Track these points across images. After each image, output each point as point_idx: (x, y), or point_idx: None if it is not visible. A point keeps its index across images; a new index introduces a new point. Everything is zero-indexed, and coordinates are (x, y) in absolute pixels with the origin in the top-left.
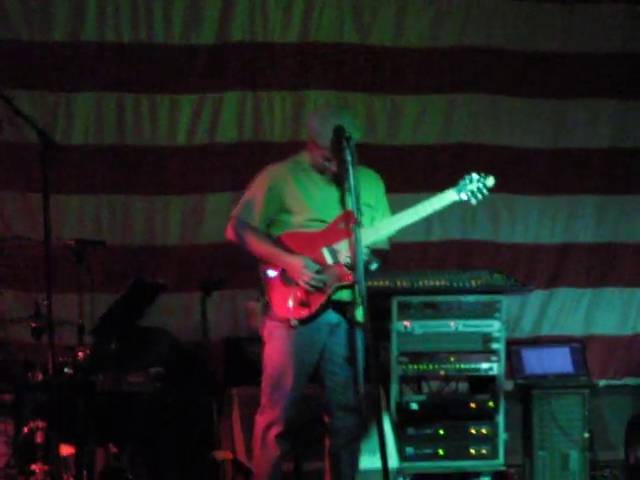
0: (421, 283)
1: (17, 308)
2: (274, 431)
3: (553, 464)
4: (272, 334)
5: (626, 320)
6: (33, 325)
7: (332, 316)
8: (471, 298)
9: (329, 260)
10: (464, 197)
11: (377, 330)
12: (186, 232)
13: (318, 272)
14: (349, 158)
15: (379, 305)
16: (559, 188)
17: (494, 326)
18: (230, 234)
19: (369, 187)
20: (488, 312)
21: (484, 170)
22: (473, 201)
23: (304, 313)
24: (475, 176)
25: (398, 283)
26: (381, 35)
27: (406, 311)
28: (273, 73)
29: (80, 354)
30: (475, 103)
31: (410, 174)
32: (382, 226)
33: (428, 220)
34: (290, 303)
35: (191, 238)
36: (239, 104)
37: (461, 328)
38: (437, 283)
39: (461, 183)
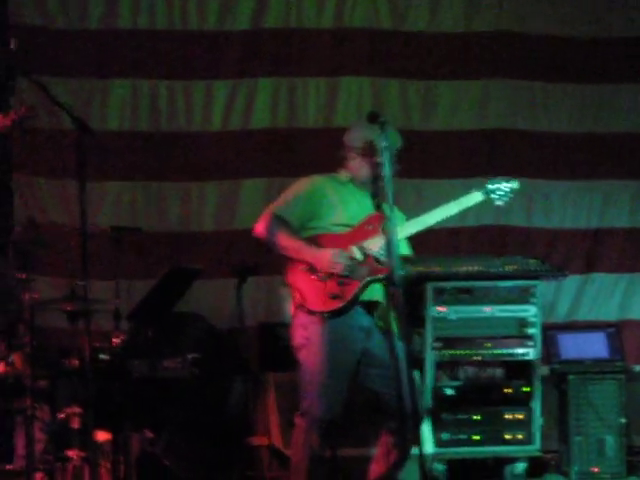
0: (456, 268)
1: (53, 294)
2: (318, 429)
3: (589, 449)
4: (307, 328)
5: None
6: (69, 309)
7: (364, 319)
8: (507, 283)
9: (358, 257)
10: (489, 198)
11: (411, 316)
12: (221, 218)
13: (349, 260)
14: (385, 144)
15: (413, 291)
16: (595, 173)
17: (530, 311)
18: (260, 227)
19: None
20: (523, 297)
21: (520, 155)
22: (499, 203)
23: (335, 305)
24: (501, 180)
25: (433, 268)
26: (415, 20)
27: (441, 297)
28: (307, 59)
29: (116, 340)
30: (510, 88)
31: (445, 160)
32: (409, 225)
33: None
34: (320, 296)
35: (226, 224)
36: (273, 90)
37: (497, 313)
38: (472, 268)
39: (487, 187)
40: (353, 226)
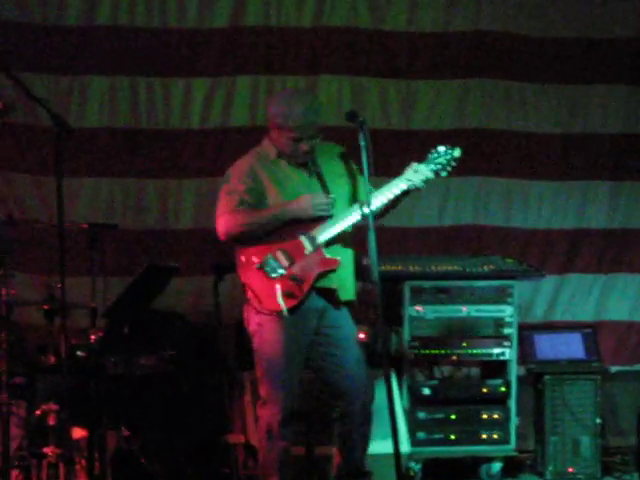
0: (433, 268)
1: (29, 291)
2: (278, 420)
3: (565, 449)
4: (262, 327)
5: (638, 306)
6: (46, 308)
7: (318, 301)
8: (483, 283)
9: (309, 247)
10: (436, 170)
11: (388, 315)
12: (199, 216)
13: (291, 263)
14: (363, 143)
15: (391, 290)
16: (572, 174)
17: (506, 311)
18: (223, 231)
19: (333, 157)
20: (500, 297)
21: (498, 155)
22: (443, 174)
23: (291, 303)
24: (442, 149)
25: (410, 268)
26: (395, 20)
27: (418, 296)
28: (286, 58)
29: (92, 337)
30: (489, 88)
31: (424, 159)
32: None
33: (440, 205)
34: (278, 295)
35: (204, 222)
36: (252, 88)
37: (473, 313)
38: (449, 268)
39: (430, 157)
40: None
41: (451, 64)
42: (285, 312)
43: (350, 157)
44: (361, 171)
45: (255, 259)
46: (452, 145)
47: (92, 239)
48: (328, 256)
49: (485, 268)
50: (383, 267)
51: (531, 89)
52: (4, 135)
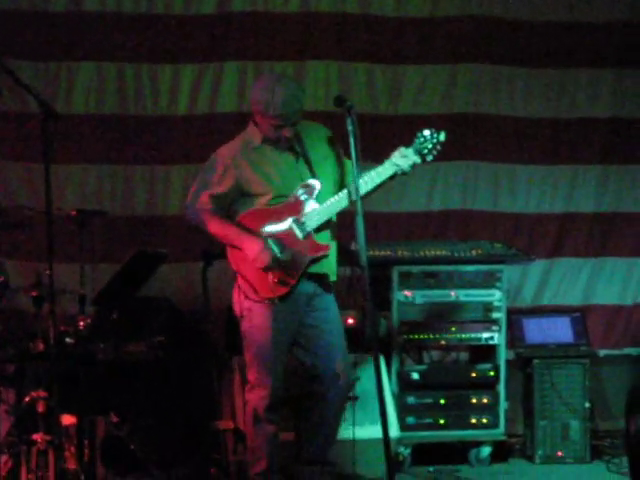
0: (422, 253)
1: (18, 278)
2: (263, 405)
3: (554, 433)
4: (252, 311)
5: (627, 290)
6: (34, 294)
7: (308, 286)
8: (472, 268)
9: (299, 234)
10: (423, 155)
11: (377, 300)
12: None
13: (281, 251)
14: (350, 128)
15: (379, 275)
16: (560, 158)
17: (495, 295)
18: (189, 218)
19: (320, 139)
20: (489, 282)
21: (486, 140)
22: (429, 158)
23: (283, 290)
24: (427, 133)
25: (399, 253)
26: (382, 5)
27: (407, 281)
28: (274, 43)
29: (81, 323)
30: (476, 73)
31: (411, 144)
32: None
33: (429, 189)
34: (269, 282)
35: None
36: (240, 74)
37: (462, 298)
38: (438, 253)
39: (416, 142)
40: (286, 195)
41: (438, 49)
42: (277, 300)
43: (336, 139)
44: (348, 155)
45: None
46: (438, 129)
47: (81, 225)
48: (319, 242)
49: (473, 253)
50: (371, 252)
51: (519, 73)
52: None
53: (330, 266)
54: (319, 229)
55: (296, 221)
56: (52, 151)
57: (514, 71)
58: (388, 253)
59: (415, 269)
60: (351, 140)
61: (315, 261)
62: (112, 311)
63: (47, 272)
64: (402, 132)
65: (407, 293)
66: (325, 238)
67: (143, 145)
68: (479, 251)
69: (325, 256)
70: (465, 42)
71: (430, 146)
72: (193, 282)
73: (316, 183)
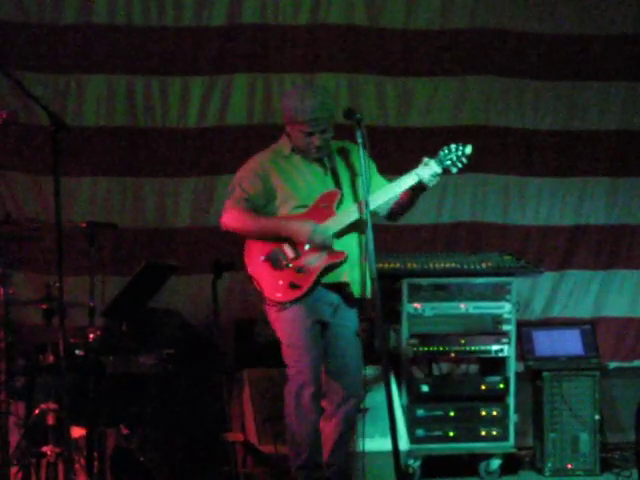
0: (432, 265)
1: (28, 291)
2: (307, 392)
3: (563, 446)
4: (279, 313)
5: (637, 302)
6: (44, 307)
7: (332, 297)
8: (482, 280)
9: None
10: (445, 166)
11: (387, 312)
12: (197, 214)
13: (319, 240)
14: (360, 140)
15: (389, 287)
16: (570, 170)
17: (504, 308)
18: (228, 219)
19: (346, 157)
20: (499, 294)
21: (496, 152)
22: (454, 170)
23: (296, 294)
24: (453, 146)
25: (408, 265)
26: (391, 17)
27: (417, 293)
28: (283, 55)
29: (91, 336)
30: (486, 85)
31: (421, 156)
32: (379, 194)
33: (438, 202)
34: (280, 286)
35: (202, 220)
36: (249, 86)
37: (472, 310)
38: (447, 265)
39: (441, 154)
40: (308, 205)
41: (448, 61)
42: (288, 305)
43: (362, 151)
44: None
45: (262, 252)
46: (448, 142)
47: (91, 238)
48: (335, 249)
49: (483, 265)
50: (381, 264)
51: (528, 86)
52: (2, 134)
53: (351, 275)
54: (338, 236)
55: (316, 227)
56: (62, 163)
57: (524, 83)
58: (398, 265)
59: (425, 281)
60: (361, 152)
61: (331, 268)
62: (122, 323)
63: (57, 284)
64: (412, 144)
65: (417, 305)
66: (342, 245)
67: (153, 157)
68: (489, 263)
69: (341, 263)
70: (475, 55)
71: (454, 158)
72: (203, 294)
73: (336, 192)
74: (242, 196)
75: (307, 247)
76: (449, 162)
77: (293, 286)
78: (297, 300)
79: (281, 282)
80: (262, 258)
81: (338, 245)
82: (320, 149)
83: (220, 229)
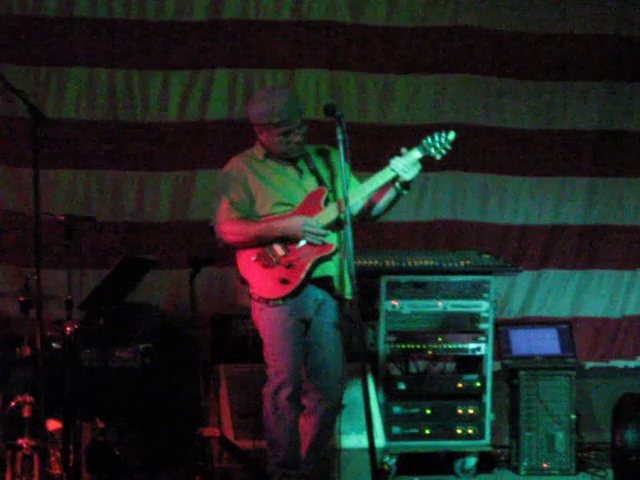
0: (410, 262)
1: (5, 282)
2: (284, 393)
3: (539, 445)
4: (262, 311)
5: (614, 302)
6: (21, 299)
7: (318, 292)
8: (460, 278)
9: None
10: (428, 153)
11: (365, 309)
12: (176, 209)
13: (312, 232)
14: (340, 136)
15: (367, 284)
16: (549, 170)
17: (482, 306)
18: (220, 238)
19: (324, 159)
20: (476, 292)
21: (475, 150)
22: (438, 156)
23: (286, 290)
24: (437, 133)
25: (387, 262)
26: (373, 14)
27: (395, 290)
28: (265, 51)
29: (68, 329)
30: (467, 84)
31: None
32: (354, 193)
33: (417, 199)
34: (270, 283)
35: (180, 215)
36: (230, 81)
37: (449, 308)
38: (426, 263)
39: (424, 142)
40: (290, 204)
41: (429, 59)
42: (281, 301)
43: (336, 152)
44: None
45: (252, 253)
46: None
47: (69, 231)
48: (327, 241)
49: (461, 263)
50: (359, 261)
51: (509, 85)
52: None
53: (337, 270)
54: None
55: (306, 219)
56: (41, 156)
57: (504, 82)
58: (376, 262)
59: (403, 279)
60: (341, 149)
61: (320, 262)
62: (99, 317)
63: (34, 277)
64: (392, 141)
65: (394, 303)
66: (331, 239)
67: (133, 151)
68: (467, 262)
69: (329, 256)
70: (455, 53)
71: (438, 144)
72: (180, 289)
73: (323, 189)
74: (228, 206)
75: (301, 244)
76: (433, 149)
77: (283, 281)
78: (288, 296)
79: (271, 279)
80: (253, 259)
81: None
82: (300, 145)
83: (221, 244)
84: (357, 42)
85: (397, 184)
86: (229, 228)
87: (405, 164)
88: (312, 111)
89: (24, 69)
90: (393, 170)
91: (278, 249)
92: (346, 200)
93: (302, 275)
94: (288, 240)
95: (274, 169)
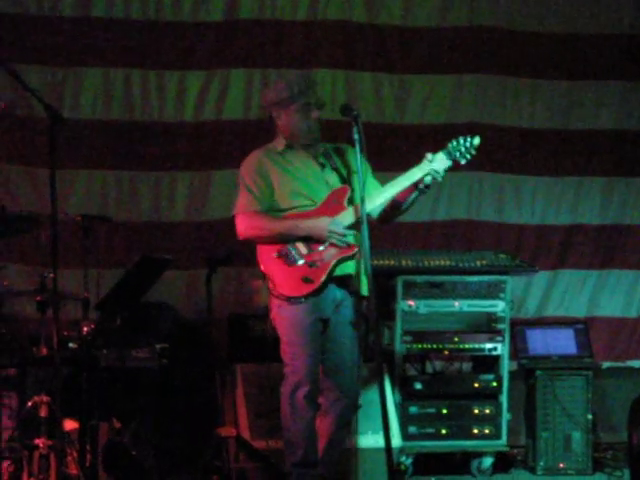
0: (426, 262)
1: (22, 282)
2: (302, 392)
3: (556, 445)
4: (281, 308)
5: (631, 302)
6: (38, 299)
7: (337, 292)
8: (476, 278)
9: None
10: (454, 157)
11: (381, 309)
12: (192, 209)
13: (337, 233)
14: (357, 136)
15: (384, 284)
16: (566, 169)
17: (499, 306)
18: (242, 231)
19: (343, 157)
20: (493, 292)
21: (492, 150)
22: (462, 161)
23: (308, 289)
24: (462, 138)
25: (403, 262)
26: (389, 14)
27: (411, 290)
28: (281, 51)
29: (85, 329)
30: (483, 83)
31: (417, 153)
32: (377, 194)
33: (434, 200)
34: (292, 281)
35: (197, 215)
36: (246, 81)
37: (466, 308)
38: (442, 263)
39: (449, 146)
40: (311, 199)
41: (445, 59)
42: (303, 299)
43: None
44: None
45: (274, 248)
46: (445, 139)
47: (86, 231)
48: (350, 241)
49: (478, 263)
50: (376, 262)
51: (525, 84)
52: None
53: (358, 269)
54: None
55: (332, 219)
56: (58, 156)
57: (520, 82)
58: (392, 263)
59: (419, 279)
60: (357, 149)
61: (342, 262)
62: (116, 317)
63: (51, 277)
64: (408, 141)
65: (411, 303)
66: (353, 239)
67: (149, 151)
68: (483, 262)
69: (352, 257)
70: (472, 52)
71: (463, 149)
72: (197, 289)
73: (346, 188)
74: (250, 200)
75: (322, 247)
76: (458, 153)
77: (306, 280)
78: (310, 295)
79: (293, 277)
80: (275, 255)
81: (350, 238)
82: (319, 123)
83: (238, 238)
84: (373, 42)
85: (421, 185)
86: (252, 222)
87: (435, 169)
88: (328, 111)
89: (41, 69)
90: (422, 171)
91: (301, 247)
92: (362, 200)
93: (325, 275)
94: (311, 239)
95: (294, 160)
